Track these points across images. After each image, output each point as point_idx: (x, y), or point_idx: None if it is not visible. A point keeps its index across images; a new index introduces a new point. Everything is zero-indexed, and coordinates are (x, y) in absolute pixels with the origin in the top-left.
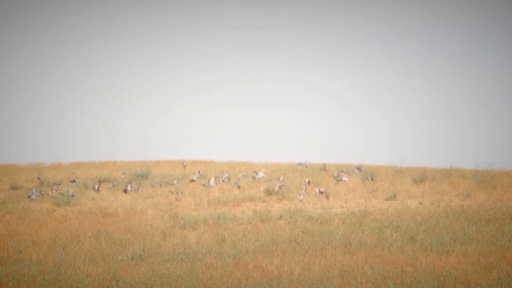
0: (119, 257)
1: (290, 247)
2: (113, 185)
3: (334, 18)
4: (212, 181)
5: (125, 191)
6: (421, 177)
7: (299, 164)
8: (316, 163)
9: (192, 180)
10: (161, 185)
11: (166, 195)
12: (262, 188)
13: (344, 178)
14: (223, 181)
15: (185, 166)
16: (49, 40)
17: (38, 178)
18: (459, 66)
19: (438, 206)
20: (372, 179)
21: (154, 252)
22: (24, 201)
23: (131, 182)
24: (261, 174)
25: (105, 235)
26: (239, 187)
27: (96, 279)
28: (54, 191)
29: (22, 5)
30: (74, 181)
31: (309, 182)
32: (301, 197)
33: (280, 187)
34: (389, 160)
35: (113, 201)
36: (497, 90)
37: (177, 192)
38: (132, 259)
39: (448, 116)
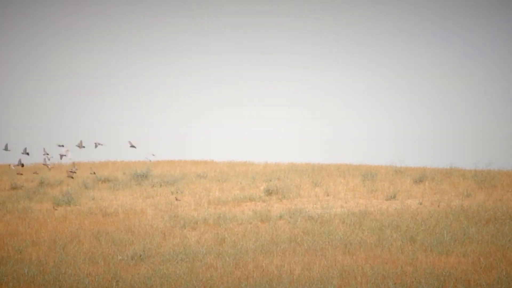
0: (119, 257)
1: (290, 247)
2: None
3: (334, 17)
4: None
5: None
6: (421, 177)
7: None
8: (317, 163)
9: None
10: (161, 185)
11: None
12: (262, 188)
13: None
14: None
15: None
16: (49, 40)
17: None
18: (459, 66)
19: (438, 206)
20: (372, 179)
21: (154, 252)
22: (24, 201)
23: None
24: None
25: (105, 235)
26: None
27: (96, 279)
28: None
29: (22, 5)
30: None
31: None
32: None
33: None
34: (389, 160)
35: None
36: (497, 90)
37: (177, 192)
38: (132, 259)
39: (448, 116)
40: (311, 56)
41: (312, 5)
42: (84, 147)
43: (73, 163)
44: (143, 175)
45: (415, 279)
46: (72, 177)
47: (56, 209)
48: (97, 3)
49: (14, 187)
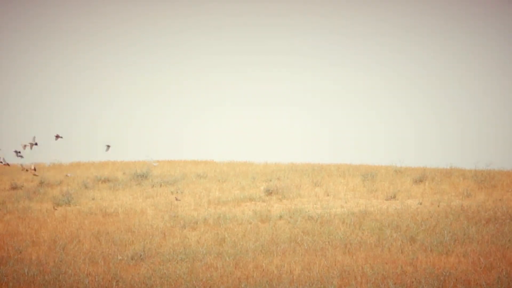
0: (119, 257)
1: (290, 247)
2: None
3: (334, 17)
4: None
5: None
6: (421, 177)
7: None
8: (317, 163)
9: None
10: (161, 185)
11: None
12: (262, 188)
13: None
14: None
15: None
16: (49, 40)
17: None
18: (459, 66)
19: (438, 206)
20: (372, 179)
21: (154, 252)
22: (24, 201)
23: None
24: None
25: (105, 235)
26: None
27: (96, 279)
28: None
29: (23, 5)
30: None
31: None
32: None
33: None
34: (389, 160)
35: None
36: (497, 90)
37: (177, 192)
38: (132, 259)
39: (448, 116)
40: (311, 56)
41: (312, 5)
42: (36, 144)
43: (34, 164)
44: (143, 175)
45: (415, 279)
46: (36, 175)
47: (56, 209)
48: (99, 3)
49: (14, 187)
